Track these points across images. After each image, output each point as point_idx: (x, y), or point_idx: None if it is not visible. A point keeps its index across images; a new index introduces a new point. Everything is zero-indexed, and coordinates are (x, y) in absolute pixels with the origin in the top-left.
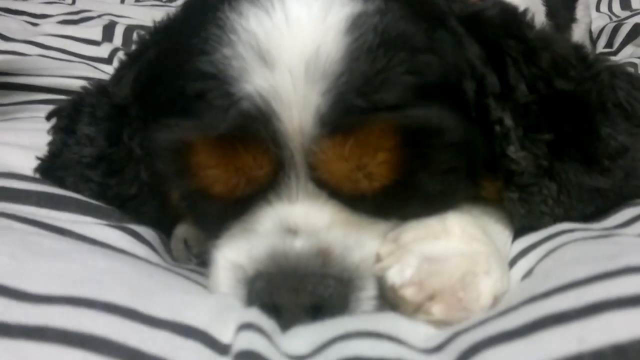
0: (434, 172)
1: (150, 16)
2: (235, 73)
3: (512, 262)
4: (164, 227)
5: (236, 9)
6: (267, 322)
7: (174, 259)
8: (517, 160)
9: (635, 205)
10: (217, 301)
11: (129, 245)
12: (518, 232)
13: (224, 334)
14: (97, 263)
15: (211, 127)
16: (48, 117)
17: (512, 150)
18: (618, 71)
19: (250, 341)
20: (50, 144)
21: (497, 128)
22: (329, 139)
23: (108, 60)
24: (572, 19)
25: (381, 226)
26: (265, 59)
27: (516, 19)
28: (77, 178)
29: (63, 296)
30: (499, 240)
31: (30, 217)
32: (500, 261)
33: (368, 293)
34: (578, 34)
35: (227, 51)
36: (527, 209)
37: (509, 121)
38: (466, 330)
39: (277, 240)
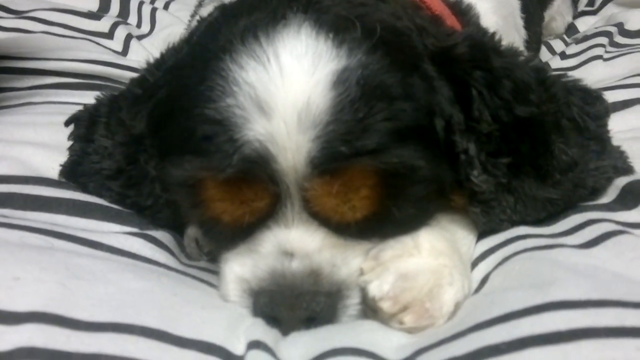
0: (407, 202)
1: None
2: (238, 120)
3: (475, 264)
4: (177, 229)
5: (237, 61)
6: (270, 335)
7: (188, 256)
8: (478, 183)
9: (580, 211)
10: (229, 315)
11: (150, 252)
12: (481, 234)
13: (237, 347)
14: (130, 283)
15: (219, 169)
16: (66, 124)
17: (475, 175)
18: (573, 88)
19: None
20: (70, 150)
21: (462, 157)
22: (319, 178)
23: (109, 35)
24: None
25: (364, 246)
26: (263, 109)
27: (484, 51)
28: (98, 185)
29: (108, 322)
30: (463, 244)
31: (65, 231)
32: (462, 270)
33: (353, 301)
34: None
35: (230, 100)
36: (488, 219)
37: (472, 150)
38: (426, 349)
39: (276, 262)
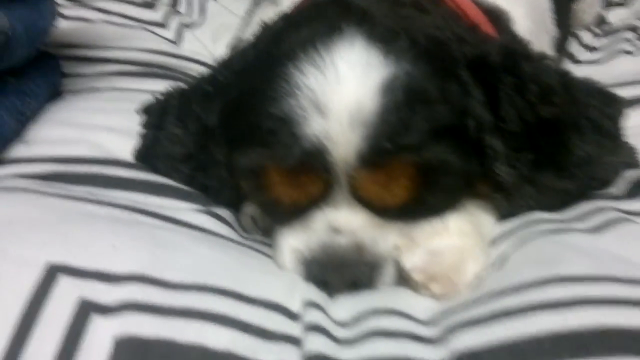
0: (439, 191)
1: None
2: (298, 118)
3: (496, 243)
4: (236, 206)
5: (298, 67)
6: (321, 297)
7: (245, 231)
8: (503, 175)
9: (590, 200)
10: (286, 279)
11: (214, 226)
12: (502, 218)
13: (294, 304)
14: (204, 252)
15: (282, 159)
16: (139, 113)
17: (500, 169)
18: (594, 90)
19: (314, 316)
20: (142, 136)
21: (490, 152)
22: (365, 169)
23: (163, 25)
24: None
25: (399, 226)
26: (320, 109)
27: (514, 58)
28: (168, 168)
29: (192, 284)
30: (485, 226)
31: (145, 208)
32: (483, 248)
33: (390, 271)
34: None
35: (292, 101)
36: (509, 205)
37: (499, 146)
38: (451, 312)
39: (326, 236)
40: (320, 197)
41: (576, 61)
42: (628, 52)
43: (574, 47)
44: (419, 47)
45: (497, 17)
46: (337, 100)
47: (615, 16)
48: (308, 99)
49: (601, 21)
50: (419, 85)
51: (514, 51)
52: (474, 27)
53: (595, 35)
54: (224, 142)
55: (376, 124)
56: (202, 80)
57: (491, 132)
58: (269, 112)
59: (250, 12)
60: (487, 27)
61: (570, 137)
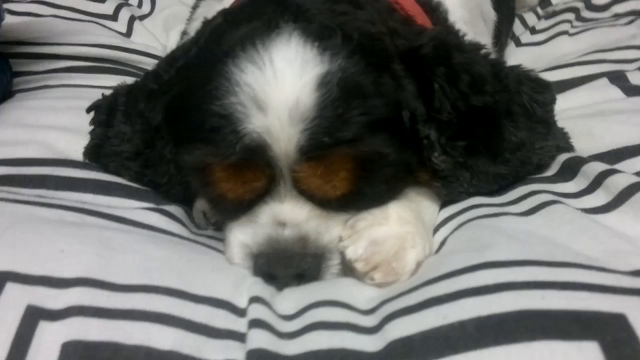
0: (378, 182)
1: None
2: (239, 115)
3: (436, 229)
4: (187, 203)
5: (238, 65)
6: (267, 291)
7: (197, 226)
8: (439, 163)
9: (525, 183)
10: (233, 275)
11: (165, 224)
12: (444, 204)
13: (241, 300)
14: (152, 252)
15: (225, 156)
16: (88, 111)
17: (436, 156)
18: (525, 78)
19: (258, 312)
20: (92, 134)
21: (425, 141)
22: (306, 163)
23: (113, 17)
24: None
25: (343, 217)
26: (260, 106)
27: (446, 49)
28: (118, 166)
29: (138, 285)
30: (427, 213)
31: (94, 209)
32: (424, 235)
33: (334, 262)
34: None
35: (233, 99)
36: (448, 191)
37: (433, 136)
38: (388, 300)
39: (271, 230)
40: (264, 192)
41: (520, 44)
42: (568, 34)
43: (519, 29)
44: (353, 43)
45: (433, 8)
46: (275, 96)
47: None
48: (248, 96)
49: (545, 3)
50: (354, 80)
51: (446, 42)
52: (408, 20)
53: (538, 16)
54: (170, 139)
55: (314, 119)
56: (147, 77)
57: (425, 122)
58: (210, 109)
59: (195, 7)
60: (422, 19)
61: (503, 124)
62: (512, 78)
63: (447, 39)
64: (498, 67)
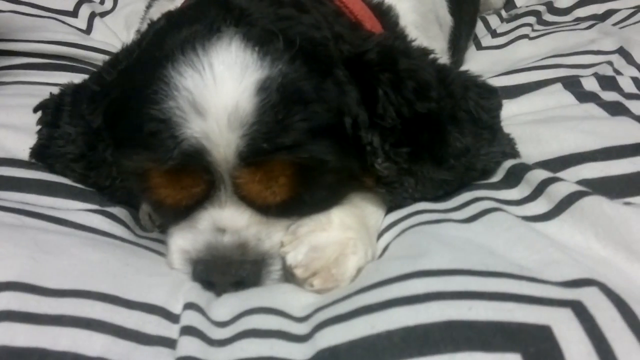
0: (319, 188)
1: None
2: (178, 120)
3: (381, 234)
4: (133, 205)
5: (177, 69)
6: (204, 297)
7: (142, 228)
8: (382, 169)
9: (470, 190)
10: (171, 281)
11: (108, 227)
12: (390, 209)
13: (176, 306)
14: (89, 256)
15: (162, 161)
16: (34, 110)
17: (379, 163)
18: (471, 84)
19: (190, 319)
20: (39, 134)
21: (368, 148)
22: (245, 168)
23: (73, 13)
24: None
25: (285, 222)
26: (199, 111)
27: (392, 55)
28: (63, 167)
29: (70, 289)
30: (371, 219)
31: (35, 210)
32: (367, 241)
33: (275, 268)
34: None
35: (171, 103)
36: (393, 197)
37: (376, 142)
38: (322, 308)
39: (211, 236)
40: (204, 197)
41: (480, 47)
42: (528, 37)
43: (481, 32)
44: (295, 48)
45: (383, 13)
46: (214, 101)
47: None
48: (186, 101)
49: (510, 5)
50: (295, 85)
51: (392, 48)
52: (355, 25)
53: (502, 19)
54: (111, 142)
55: (253, 125)
56: (90, 78)
57: (368, 128)
58: (149, 113)
59: (149, 6)
60: (372, 23)
61: (448, 130)
62: (458, 84)
63: (393, 45)
64: (444, 72)
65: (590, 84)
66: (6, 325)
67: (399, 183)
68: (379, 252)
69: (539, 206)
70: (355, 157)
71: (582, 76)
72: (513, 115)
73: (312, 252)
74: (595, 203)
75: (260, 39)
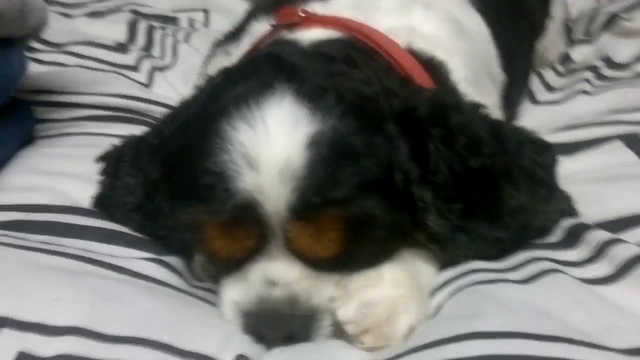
0: (369, 243)
1: (169, 5)
2: (232, 173)
3: (433, 293)
4: (188, 255)
5: (231, 123)
6: (255, 350)
7: (196, 278)
8: (434, 226)
9: (527, 249)
10: (223, 332)
11: (164, 276)
12: (443, 266)
13: (227, 358)
14: (145, 304)
15: (217, 213)
16: (97, 161)
17: (431, 219)
18: (525, 139)
19: None
20: (100, 183)
21: (420, 204)
22: (296, 222)
23: (135, 68)
24: (547, 16)
25: (334, 277)
26: (252, 164)
27: (443, 110)
28: (123, 216)
29: (128, 336)
30: (424, 276)
31: (95, 257)
32: (419, 299)
33: (325, 323)
34: (553, 29)
35: (226, 157)
36: (445, 254)
37: (428, 198)
38: None
39: (261, 289)
40: (255, 250)
41: (535, 101)
42: (586, 93)
43: (536, 87)
44: (346, 103)
45: (434, 68)
46: (267, 155)
47: (580, 54)
48: (240, 155)
49: (565, 59)
50: (345, 140)
51: (443, 103)
52: (406, 80)
53: (558, 74)
54: (168, 194)
55: (304, 178)
56: (151, 132)
57: (419, 184)
58: (204, 167)
59: (206, 62)
60: (423, 79)
61: (503, 187)
62: (512, 139)
63: (444, 99)
64: (497, 127)
65: None
66: None
67: (452, 240)
68: (431, 310)
69: (600, 269)
70: (407, 213)
71: None
72: (571, 173)
73: (363, 309)
74: None
75: (311, 95)
